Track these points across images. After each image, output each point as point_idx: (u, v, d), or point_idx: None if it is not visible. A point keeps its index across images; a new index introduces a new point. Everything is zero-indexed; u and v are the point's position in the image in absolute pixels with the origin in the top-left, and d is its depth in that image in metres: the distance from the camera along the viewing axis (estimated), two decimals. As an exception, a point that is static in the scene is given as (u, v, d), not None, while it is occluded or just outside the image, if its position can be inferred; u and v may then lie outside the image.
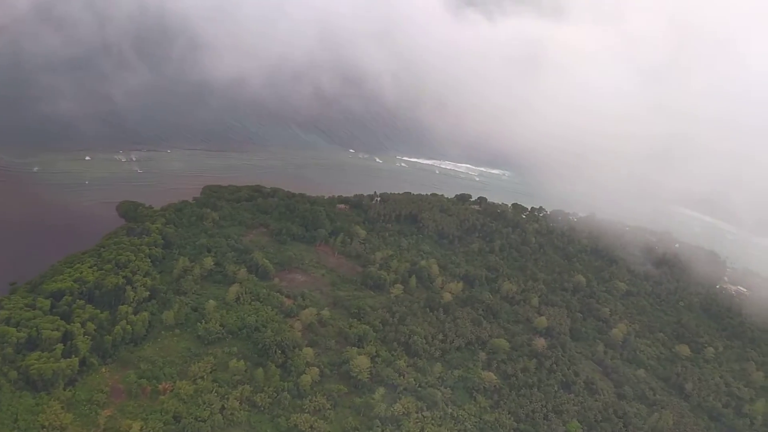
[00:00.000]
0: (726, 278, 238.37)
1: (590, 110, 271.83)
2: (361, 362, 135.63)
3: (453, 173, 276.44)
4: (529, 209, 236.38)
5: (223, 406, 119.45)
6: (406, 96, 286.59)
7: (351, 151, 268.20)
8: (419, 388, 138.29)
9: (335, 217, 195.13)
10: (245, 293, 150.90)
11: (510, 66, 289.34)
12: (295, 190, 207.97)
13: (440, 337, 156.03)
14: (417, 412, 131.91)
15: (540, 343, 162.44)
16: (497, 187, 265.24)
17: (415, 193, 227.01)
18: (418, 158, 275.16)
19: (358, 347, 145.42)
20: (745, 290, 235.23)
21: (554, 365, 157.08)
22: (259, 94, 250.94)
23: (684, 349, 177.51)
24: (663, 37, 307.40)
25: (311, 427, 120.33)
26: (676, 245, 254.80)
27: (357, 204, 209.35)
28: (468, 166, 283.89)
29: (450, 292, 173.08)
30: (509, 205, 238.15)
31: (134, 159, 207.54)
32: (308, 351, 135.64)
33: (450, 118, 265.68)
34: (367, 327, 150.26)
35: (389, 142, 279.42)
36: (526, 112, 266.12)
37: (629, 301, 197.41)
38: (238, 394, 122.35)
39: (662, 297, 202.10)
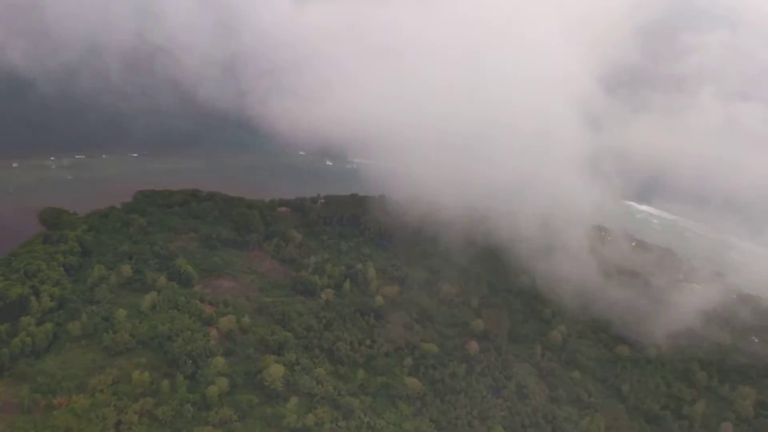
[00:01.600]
0: (681, 276, 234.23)
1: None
2: (274, 371, 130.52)
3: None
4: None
5: (119, 420, 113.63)
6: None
7: (301, 153, 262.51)
8: (338, 397, 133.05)
9: (272, 220, 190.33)
10: (162, 301, 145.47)
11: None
12: (237, 193, 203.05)
13: (367, 342, 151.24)
14: (332, 422, 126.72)
15: (472, 346, 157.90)
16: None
17: (362, 195, 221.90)
18: (369, 159, 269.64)
19: (278, 355, 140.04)
20: (699, 287, 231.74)
21: (486, 369, 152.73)
22: (203, 95, 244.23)
23: (624, 350, 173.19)
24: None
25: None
26: (633, 243, 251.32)
27: (299, 207, 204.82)
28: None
29: (384, 296, 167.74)
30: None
31: (66, 165, 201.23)
32: (219, 360, 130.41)
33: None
34: (289, 334, 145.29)
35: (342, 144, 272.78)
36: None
37: (577, 301, 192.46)
38: (138, 408, 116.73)
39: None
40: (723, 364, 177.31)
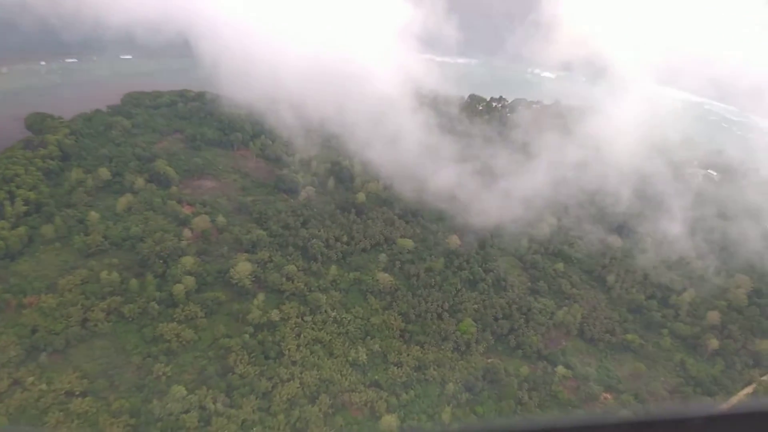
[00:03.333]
0: (696, 162, 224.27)
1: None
2: (241, 268, 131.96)
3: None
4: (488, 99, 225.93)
5: (85, 318, 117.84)
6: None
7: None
8: (308, 293, 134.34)
9: (260, 119, 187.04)
10: (138, 203, 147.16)
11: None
12: (232, 93, 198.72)
13: (344, 239, 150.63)
14: (298, 317, 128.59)
15: (453, 240, 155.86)
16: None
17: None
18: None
19: (251, 253, 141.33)
20: (714, 174, 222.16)
21: (464, 263, 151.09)
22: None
23: (616, 240, 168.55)
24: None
25: (177, 335, 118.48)
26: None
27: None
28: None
29: (367, 192, 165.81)
30: (465, 97, 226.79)
31: (56, 69, 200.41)
32: (188, 259, 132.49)
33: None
34: (263, 232, 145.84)
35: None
36: None
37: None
38: (105, 306, 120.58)
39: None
40: (720, 253, 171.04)
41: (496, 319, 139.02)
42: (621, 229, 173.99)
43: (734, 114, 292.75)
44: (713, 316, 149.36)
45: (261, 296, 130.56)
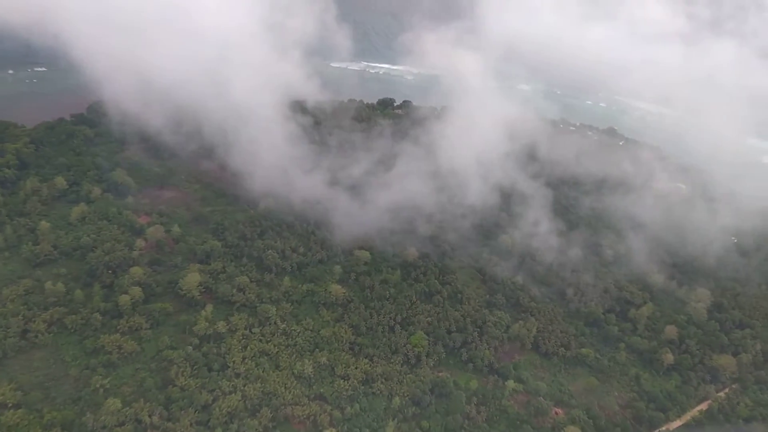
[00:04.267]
0: (666, 175, 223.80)
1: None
2: (190, 279, 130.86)
3: (385, 77, 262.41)
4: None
5: (26, 329, 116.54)
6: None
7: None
8: (259, 304, 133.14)
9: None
10: (93, 213, 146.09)
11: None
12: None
13: (301, 250, 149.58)
14: (246, 329, 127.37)
15: (411, 253, 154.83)
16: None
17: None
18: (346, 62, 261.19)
19: (205, 264, 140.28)
20: (683, 187, 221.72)
21: (421, 275, 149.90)
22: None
23: (577, 253, 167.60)
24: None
25: (119, 347, 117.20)
26: (621, 143, 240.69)
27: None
28: (404, 67, 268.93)
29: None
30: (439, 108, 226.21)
31: (24, 77, 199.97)
32: (137, 270, 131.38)
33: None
34: (217, 243, 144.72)
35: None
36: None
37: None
38: (48, 317, 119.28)
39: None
40: (683, 267, 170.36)
41: (449, 332, 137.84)
42: (583, 242, 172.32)
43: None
44: (671, 331, 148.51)
45: (209, 307, 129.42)
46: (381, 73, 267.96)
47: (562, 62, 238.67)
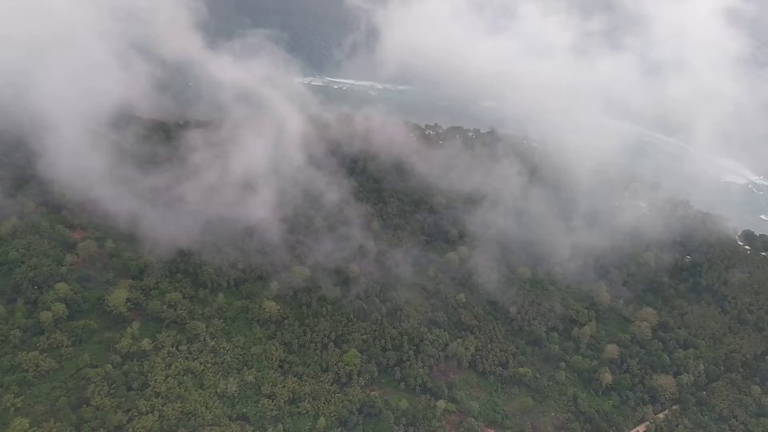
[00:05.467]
0: (627, 194, 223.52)
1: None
2: (117, 295, 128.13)
3: (349, 91, 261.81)
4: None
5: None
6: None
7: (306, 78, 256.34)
8: (191, 321, 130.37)
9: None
10: (25, 227, 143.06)
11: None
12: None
13: (240, 266, 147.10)
14: (172, 346, 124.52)
15: (353, 269, 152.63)
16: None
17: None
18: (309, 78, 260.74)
19: (138, 279, 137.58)
20: (644, 206, 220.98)
21: (362, 292, 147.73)
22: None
23: (525, 271, 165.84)
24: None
25: (36, 365, 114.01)
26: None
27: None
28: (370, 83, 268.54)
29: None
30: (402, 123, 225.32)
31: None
32: (62, 286, 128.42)
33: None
34: (151, 258, 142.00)
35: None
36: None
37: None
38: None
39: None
40: (636, 285, 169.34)
41: (384, 350, 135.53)
42: (532, 260, 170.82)
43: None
44: (612, 350, 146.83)
45: (136, 324, 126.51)
46: (345, 88, 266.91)
47: (458, 72, 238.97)
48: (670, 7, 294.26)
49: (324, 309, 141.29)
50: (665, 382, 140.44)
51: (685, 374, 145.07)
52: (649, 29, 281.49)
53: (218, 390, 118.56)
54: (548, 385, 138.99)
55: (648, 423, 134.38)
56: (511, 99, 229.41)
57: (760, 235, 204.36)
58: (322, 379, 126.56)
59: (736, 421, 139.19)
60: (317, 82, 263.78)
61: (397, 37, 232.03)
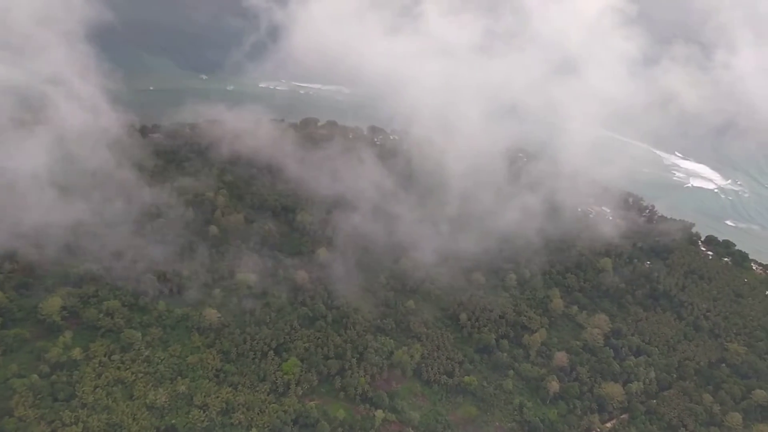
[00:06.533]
0: (592, 199, 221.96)
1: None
2: (51, 304, 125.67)
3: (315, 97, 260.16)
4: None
5: None
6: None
7: (203, 77, 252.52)
8: (128, 329, 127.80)
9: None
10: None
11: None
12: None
13: (185, 273, 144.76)
14: (105, 356, 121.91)
15: (301, 276, 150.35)
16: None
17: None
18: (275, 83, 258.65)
19: (77, 287, 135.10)
20: (609, 211, 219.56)
21: (308, 299, 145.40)
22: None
23: (479, 277, 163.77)
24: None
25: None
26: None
27: (171, 134, 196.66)
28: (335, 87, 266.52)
29: (222, 226, 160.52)
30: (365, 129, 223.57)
31: None
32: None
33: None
34: (92, 266, 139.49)
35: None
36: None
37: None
38: None
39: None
40: (592, 291, 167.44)
41: (326, 359, 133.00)
42: (485, 266, 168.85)
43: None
44: (561, 358, 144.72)
45: (69, 333, 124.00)
46: (311, 93, 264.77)
47: (356, 71, 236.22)
48: (562, 7, 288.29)
49: (268, 317, 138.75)
50: (613, 390, 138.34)
51: (636, 382, 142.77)
52: (545, 31, 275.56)
53: (147, 401, 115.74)
54: (495, 394, 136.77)
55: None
56: (407, 99, 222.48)
57: (723, 240, 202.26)
58: (258, 389, 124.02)
59: (686, 430, 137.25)
60: (282, 86, 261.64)
61: (298, 37, 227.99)
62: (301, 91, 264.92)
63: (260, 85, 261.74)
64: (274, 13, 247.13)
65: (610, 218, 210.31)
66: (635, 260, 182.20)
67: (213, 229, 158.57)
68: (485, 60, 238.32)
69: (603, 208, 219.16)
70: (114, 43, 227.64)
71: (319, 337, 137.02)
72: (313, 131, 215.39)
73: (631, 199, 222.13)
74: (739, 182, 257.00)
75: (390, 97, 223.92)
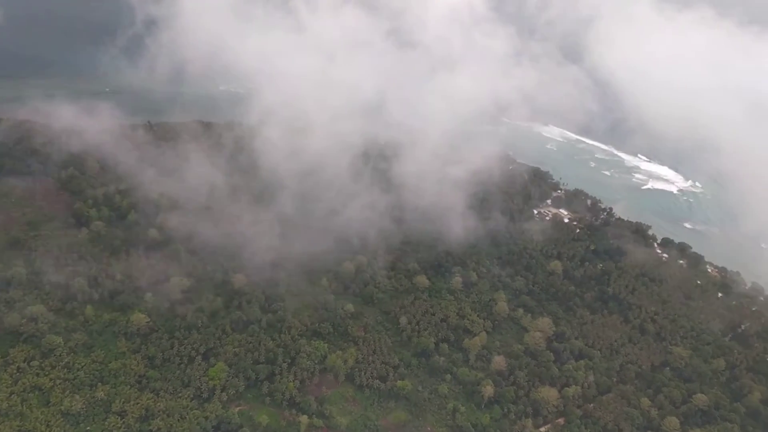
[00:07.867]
0: (549, 201, 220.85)
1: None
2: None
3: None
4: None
5: None
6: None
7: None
8: (52, 335, 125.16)
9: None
10: None
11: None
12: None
13: (118, 277, 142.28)
14: (24, 362, 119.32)
15: (239, 279, 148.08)
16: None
17: (207, 122, 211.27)
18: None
19: (4, 292, 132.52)
20: (566, 213, 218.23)
21: (244, 303, 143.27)
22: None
23: (422, 280, 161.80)
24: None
25: None
26: (510, 167, 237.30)
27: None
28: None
29: (162, 229, 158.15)
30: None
31: None
32: None
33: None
34: (22, 270, 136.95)
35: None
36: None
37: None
38: None
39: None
40: (540, 294, 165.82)
41: (256, 364, 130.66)
42: (433, 268, 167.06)
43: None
44: (499, 362, 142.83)
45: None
46: (184, 91, 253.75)
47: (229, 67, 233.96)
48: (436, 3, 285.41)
49: (199, 321, 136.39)
50: (548, 394, 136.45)
51: (573, 386, 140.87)
52: (424, 28, 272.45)
53: (63, 408, 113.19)
54: (428, 399, 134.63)
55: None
56: (277, 95, 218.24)
57: (679, 242, 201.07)
58: (181, 394, 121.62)
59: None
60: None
61: (171, 34, 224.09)
62: (172, 89, 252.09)
63: (135, 84, 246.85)
64: (148, 6, 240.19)
65: (566, 220, 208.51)
66: (587, 263, 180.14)
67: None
68: (360, 57, 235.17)
69: (560, 210, 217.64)
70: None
71: (250, 342, 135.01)
72: (166, 130, 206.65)
73: (589, 201, 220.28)
74: (698, 183, 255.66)
75: (262, 93, 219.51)
